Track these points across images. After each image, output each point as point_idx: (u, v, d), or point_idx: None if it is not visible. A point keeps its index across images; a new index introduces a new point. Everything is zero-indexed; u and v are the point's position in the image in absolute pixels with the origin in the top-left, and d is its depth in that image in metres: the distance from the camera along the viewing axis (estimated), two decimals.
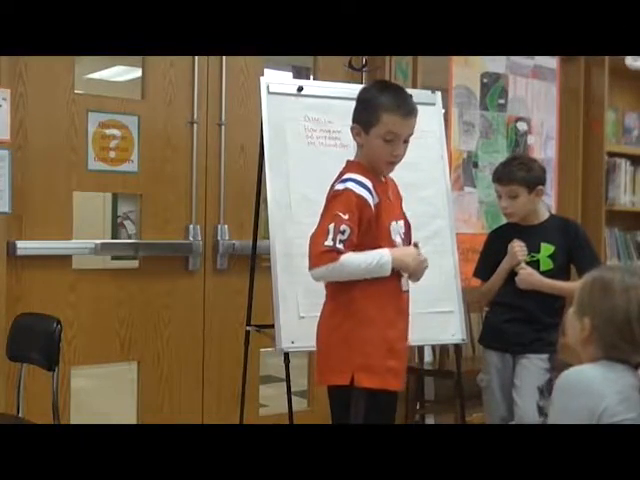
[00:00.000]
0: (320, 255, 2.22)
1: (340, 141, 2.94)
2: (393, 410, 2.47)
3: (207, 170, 3.46)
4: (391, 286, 2.33)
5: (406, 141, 2.34)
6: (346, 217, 2.22)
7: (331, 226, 2.22)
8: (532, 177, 2.93)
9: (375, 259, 2.25)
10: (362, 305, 2.29)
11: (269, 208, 2.86)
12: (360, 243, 2.26)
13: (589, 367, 1.74)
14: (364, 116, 2.33)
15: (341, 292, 2.32)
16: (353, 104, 2.39)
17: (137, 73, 3.77)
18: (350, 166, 2.38)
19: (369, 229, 2.28)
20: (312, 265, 2.25)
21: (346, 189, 2.27)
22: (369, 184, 2.29)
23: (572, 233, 3.00)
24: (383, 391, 2.30)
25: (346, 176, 2.32)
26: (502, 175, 2.98)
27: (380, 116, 2.28)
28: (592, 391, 1.67)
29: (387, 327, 2.31)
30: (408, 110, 2.31)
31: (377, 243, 2.30)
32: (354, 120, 2.37)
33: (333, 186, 2.34)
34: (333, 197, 2.29)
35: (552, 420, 1.73)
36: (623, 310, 1.71)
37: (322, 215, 2.30)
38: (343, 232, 2.21)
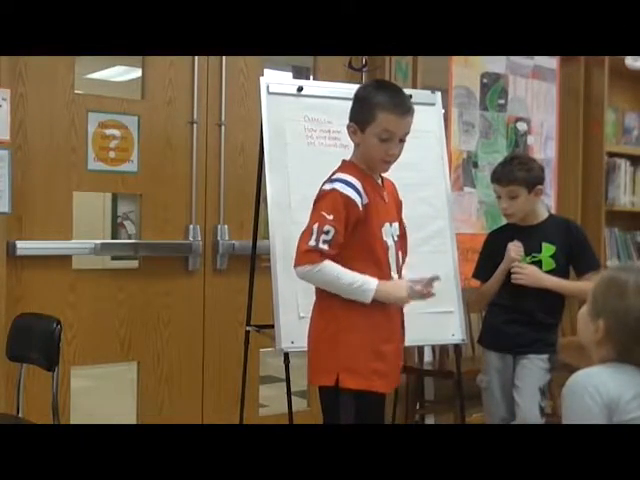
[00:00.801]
0: (302, 254, 2.23)
1: (340, 141, 2.94)
2: (381, 412, 2.47)
3: (207, 170, 3.46)
4: None
5: (402, 140, 2.33)
6: (330, 217, 2.22)
7: (315, 226, 2.22)
8: (532, 177, 2.92)
9: (359, 282, 2.24)
10: (347, 308, 2.27)
11: (269, 208, 2.86)
12: (349, 243, 2.25)
13: (599, 368, 1.73)
14: (360, 114, 2.33)
15: (328, 294, 2.31)
16: None
17: (137, 73, 3.77)
18: (342, 166, 2.38)
19: (357, 229, 2.27)
20: (295, 263, 2.27)
21: (333, 189, 2.26)
22: (357, 184, 2.27)
23: (573, 233, 2.99)
24: (369, 392, 2.29)
25: (334, 176, 2.32)
26: (501, 176, 2.96)
27: (376, 114, 2.28)
28: (605, 390, 1.65)
29: (372, 330, 2.30)
30: (404, 109, 2.30)
31: (368, 243, 2.30)
32: (350, 119, 2.36)
33: (322, 186, 2.34)
34: (320, 197, 2.30)
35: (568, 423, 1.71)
36: (637, 312, 1.70)
37: (310, 215, 2.31)
38: (327, 232, 2.21)
